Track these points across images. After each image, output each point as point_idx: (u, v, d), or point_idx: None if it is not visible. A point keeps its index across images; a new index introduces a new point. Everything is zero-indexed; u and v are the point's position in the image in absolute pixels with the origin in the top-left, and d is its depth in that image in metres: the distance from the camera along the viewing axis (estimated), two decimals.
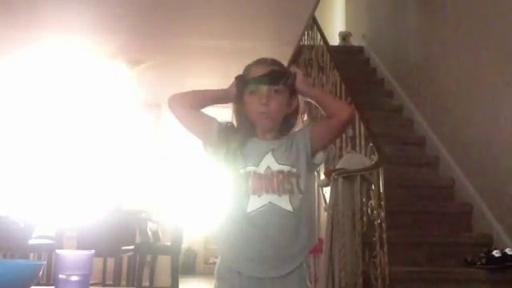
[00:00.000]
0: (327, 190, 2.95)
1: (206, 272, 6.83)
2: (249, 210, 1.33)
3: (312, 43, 4.29)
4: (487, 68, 3.36)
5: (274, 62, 1.42)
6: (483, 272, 2.73)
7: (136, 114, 6.35)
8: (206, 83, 1.46)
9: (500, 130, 3.16)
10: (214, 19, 3.98)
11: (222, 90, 1.45)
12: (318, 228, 3.58)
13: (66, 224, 4.52)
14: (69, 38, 4.31)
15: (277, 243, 1.33)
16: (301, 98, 1.46)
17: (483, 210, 3.25)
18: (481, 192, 3.31)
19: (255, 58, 1.44)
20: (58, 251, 1.00)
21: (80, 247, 4.09)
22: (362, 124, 3.06)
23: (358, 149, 3.12)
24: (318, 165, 1.46)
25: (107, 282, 4.73)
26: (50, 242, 4.57)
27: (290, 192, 1.34)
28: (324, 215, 3.12)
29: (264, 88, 1.36)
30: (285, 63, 1.49)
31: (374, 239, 2.62)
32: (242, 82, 1.40)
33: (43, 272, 2.06)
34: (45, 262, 1.64)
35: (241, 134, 1.39)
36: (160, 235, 5.17)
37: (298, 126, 1.48)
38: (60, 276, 0.97)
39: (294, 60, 4.44)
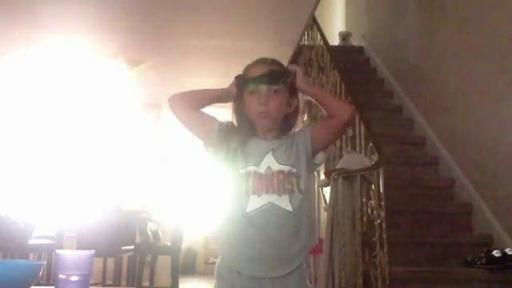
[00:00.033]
0: (327, 190, 2.95)
1: (206, 272, 6.83)
2: (249, 210, 1.33)
3: (312, 43, 4.29)
4: (487, 68, 3.36)
5: (273, 61, 1.42)
6: (483, 272, 2.73)
7: (136, 114, 6.34)
8: (206, 83, 1.46)
9: (500, 130, 3.16)
10: (214, 19, 3.98)
11: (222, 89, 1.45)
12: (318, 228, 3.58)
13: (66, 224, 4.52)
14: (69, 37, 4.31)
15: (277, 243, 1.33)
16: (301, 98, 1.46)
17: (483, 209, 3.25)
18: (481, 192, 3.31)
19: (255, 58, 1.44)
20: (57, 251, 1.00)
21: (80, 247, 4.09)
22: (362, 124, 3.06)
23: (357, 149, 3.12)
24: (319, 165, 1.47)
25: (107, 282, 4.73)
26: (50, 242, 4.56)
27: (290, 192, 1.34)
28: (324, 215, 3.12)
29: (263, 88, 1.36)
30: (285, 63, 1.49)
31: (374, 239, 2.62)
32: (241, 81, 1.40)
33: (43, 272, 2.06)
34: (45, 262, 1.64)
35: (241, 133, 1.39)
36: (160, 235, 5.17)
37: (298, 126, 1.48)
38: (60, 276, 0.97)
39: (294, 60, 4.44)
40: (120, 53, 4.63)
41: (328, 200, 2.85)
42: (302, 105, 1.47)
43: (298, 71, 1.44)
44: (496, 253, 2.72)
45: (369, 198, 2.71)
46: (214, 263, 1.50)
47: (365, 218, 2.70)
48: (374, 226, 2.65)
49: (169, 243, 4.86)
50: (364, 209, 2.71)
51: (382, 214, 2.61)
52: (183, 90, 1.42)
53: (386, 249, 2.56)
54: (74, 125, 6.13)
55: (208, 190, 5.69)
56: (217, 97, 1.46)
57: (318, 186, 3.44)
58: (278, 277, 1.33)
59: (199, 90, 1.43)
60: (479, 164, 3.37)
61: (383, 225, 2.60)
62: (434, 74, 4.11)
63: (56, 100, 5.95)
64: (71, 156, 6.07)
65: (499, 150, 3.15)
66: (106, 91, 5.76)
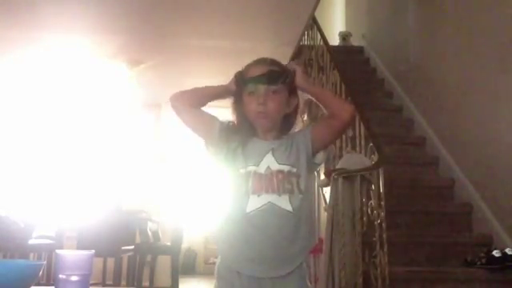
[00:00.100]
0: (327, 190, 2.95)
1: (206, 272, 6.83)
2: (248, 210, 1.33)
3: (312, 43, 4.29)
4: (487, 68, 3.36)
5: (273, 62, 1.42)
6: (483, 272, 2.73)
7: (136, 114, 6.34)
8: (206, 83, 1.46)
9: (500, 130, 3.16)
10: (214, 19, 3.98)
11: (222, 86, 1.45)
12: (318, 228, 3.58)
13: (66, 224, 4.52)
14: (69, 37, 4.31)
15: (276, 243, 1.33)
16: (301, 97, 1.46)
17: (483, 209, 3.24)
18: (481, 192, 3.31)
19: (255, 58, 1.44)
20: (57, 251, 1.00)
21: (80, 247, 4.08)
22: (362, 124, 3.06)
23: (357, 149, 3.12)
24: (319, 164, 1.47)
25: (107, 282, 4.72)
26: (50, 242, 4.56)
27: (290, 192, 1.34)
28: (324, 215, 3.12)
29: (262, 88, 1.36)
30: (285, 63, 1.49)
31: (374, 239, 2.62)
32: (240, 81, 1.40)
33: (43, 272, 2.06)
34: (45, 262, 1.64)
35: (241, 134, 1.39)
36: (160, 235, 5.17)
37: (298, 126, 1.48)
38: (60, 276, 0.97)
39: (294, 60, 4.44)
40: (120, 53, 4.63)
41: (328, 200, 2.85)
42: (301, 105, 1.47)
43: (298, 69, 1.44)
44: (496, 253, 2.72)
45: (369, 198, 2.71)
46: (214, 263, 1.50)
47: (365, 218, 2.70)
48: (373, 226, 2.65)
49: (169, 243, 4.86)
50: (364, 209, 2.71)
51: (382, 214, 2.62)
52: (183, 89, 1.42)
53: (385, 249, 2.57)
54: (74, 125, 6.13)
55: (208, 190, 5.69)
56: (216, 94, 1.46)
57: (318, 186, 3.44)
58: (278, 277, 1.33)
59: (199, 88, 1.43)
60: (479, 164, 3.37)
61: (383, 225, 2.60)
62: (433, 74, 4.11)
63: (56, 100, 5.94)
64: (71, 156, 6.07)
65: (499, 149, 3.15)
66: (106, 91, 5.76)
